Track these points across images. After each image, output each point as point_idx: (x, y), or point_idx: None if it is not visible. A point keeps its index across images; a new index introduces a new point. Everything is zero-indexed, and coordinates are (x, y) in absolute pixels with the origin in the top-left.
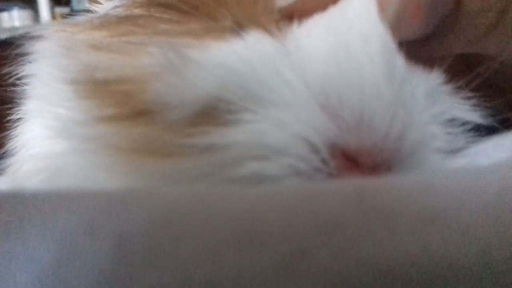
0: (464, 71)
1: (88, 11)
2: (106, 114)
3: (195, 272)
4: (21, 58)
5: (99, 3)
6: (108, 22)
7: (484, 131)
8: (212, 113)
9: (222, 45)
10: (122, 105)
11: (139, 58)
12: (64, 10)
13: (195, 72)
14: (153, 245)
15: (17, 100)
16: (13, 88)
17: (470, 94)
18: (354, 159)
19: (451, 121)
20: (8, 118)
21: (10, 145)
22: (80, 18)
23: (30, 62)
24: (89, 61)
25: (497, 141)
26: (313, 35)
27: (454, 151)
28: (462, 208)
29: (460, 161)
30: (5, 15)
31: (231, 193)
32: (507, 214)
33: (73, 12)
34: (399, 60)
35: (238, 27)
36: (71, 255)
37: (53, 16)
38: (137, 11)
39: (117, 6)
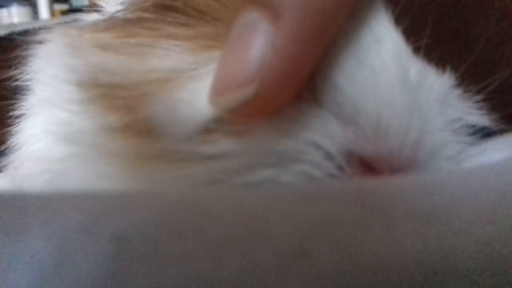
0: (479, 76)
1: (88, 8)
2: (110, 123)
3: (195, 271)
4: (24, 59)
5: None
6: (113, 25)
7: (485, 132)
8: (221, 122)
9: None
10: (127, 115)
11: (146, 61)
12: (63, 7)
13: (194, 97)
14: (152, 244)
15: (20, 96)
16: (15, 84)
17: (482, 99)
18: (370, 165)
19: (463, 128)
20: (10, 114)
21: (12, 141)
22: (84, 21)
23: (33, 61)
24: (95, 62)
25: (496, 142)
26: None
27: (459, 154)
28: (460, 207)
29: (462, 163)
30: (4, 11)
31: (232, 192)
32: (505, 212)
33: (72, 9)
34: (414, 64)
35: None
36: (71, 254)
37: (52, 13)
38: (143, 14)
39: (122, 9)
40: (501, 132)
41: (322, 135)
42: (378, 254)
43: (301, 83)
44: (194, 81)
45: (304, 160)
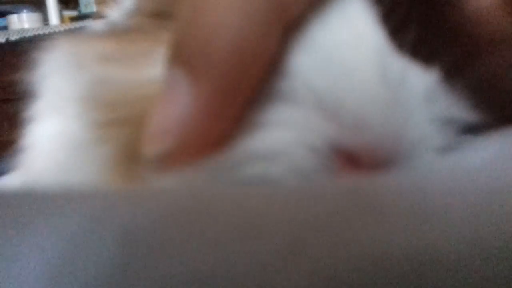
0: (466, 68)
1: (95, 14)
2: (108, 140)
3: (196, 267)
4: (33, 64)
5: (106, 6)
6: (115, 33)
7: (475, 128)
8: None
9: None
10: (124, 136)
11: (144, 70)
12: (72, 13)
13: None
14: (159, 239)
15: (29, 100)
16: (25, 88)
17: (468, 93)
18: (355, 158)
19: (449, 121)
20: (20, 116)
21: (22, 142)
22: (89, 29)
23: (41, 67)
24: (97, 74)
25: (486, 139)
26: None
27: (447, 149)
28: (451, 204)
29: (452, 159)
30: (14, 17)
31: (231, 191)
32: (494, 209)
33: (80, 15)
34: (396, 60)
35: None
36: (78, 250)
37: (62, 19)
38: (143, 21)
39: (124, 16)
40: (490, 129)
41: (304, 130)
42: (371, 249)
43: (224, 133)
44: None
45: (291, 154)
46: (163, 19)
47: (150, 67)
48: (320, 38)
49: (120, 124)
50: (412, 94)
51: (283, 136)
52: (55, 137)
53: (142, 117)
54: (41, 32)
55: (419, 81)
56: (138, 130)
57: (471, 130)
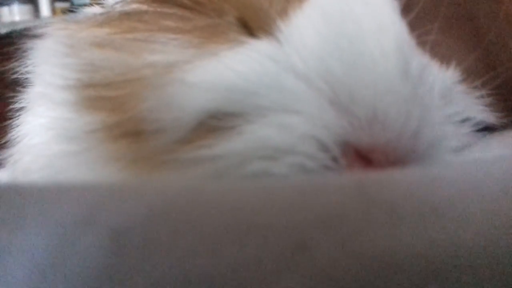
0: (483, 70)
1: (88, 5)
2: (103, 129)
3: (193, 265)
4: (24, 53)
5: None
6: (111, 18)
7: (489, 128)
8: (211, 125)
9: (220, 59)
10: (119, 115)
11: (143, 56)
12: (65, 4)
13: (188, 91)
14: (150, 237)
15: (20, 90)
16: (15, 78)
17: (485, 94)
18: (366, 156)
19: (465, 121)
20: (10, 108)
21: (11, 135)
22: (82, 15)
23: (33, 57)
24: (92, 59)
25: (500, 138)
26: (320, 26)
27: (462, 148)
28: (465, 200)
29: (467, 156)
30: (5, 9)
31: (230, 185)
32: (508, 205)
33: (73, 7)
34: (416, 57)
35: (241, 23)
36: (68, 248)
37: (53, 11)
38: (141, 6)
39: (120, 2)
40: (505, 128)
41: (317, 125)
42: (381, 247)
43: None
44: (190, 75)
45: (297, 152)
46: (163, 4)
47: (150, 53)
48: (341, 26)
49: (112, 98)
50: (431, 91)
51: (289, 134)
52: (47, 127)
53: (139, 94)
54: (32, 24)
55: (437, 79)
56: (135, 99)
57: (488, 130)
